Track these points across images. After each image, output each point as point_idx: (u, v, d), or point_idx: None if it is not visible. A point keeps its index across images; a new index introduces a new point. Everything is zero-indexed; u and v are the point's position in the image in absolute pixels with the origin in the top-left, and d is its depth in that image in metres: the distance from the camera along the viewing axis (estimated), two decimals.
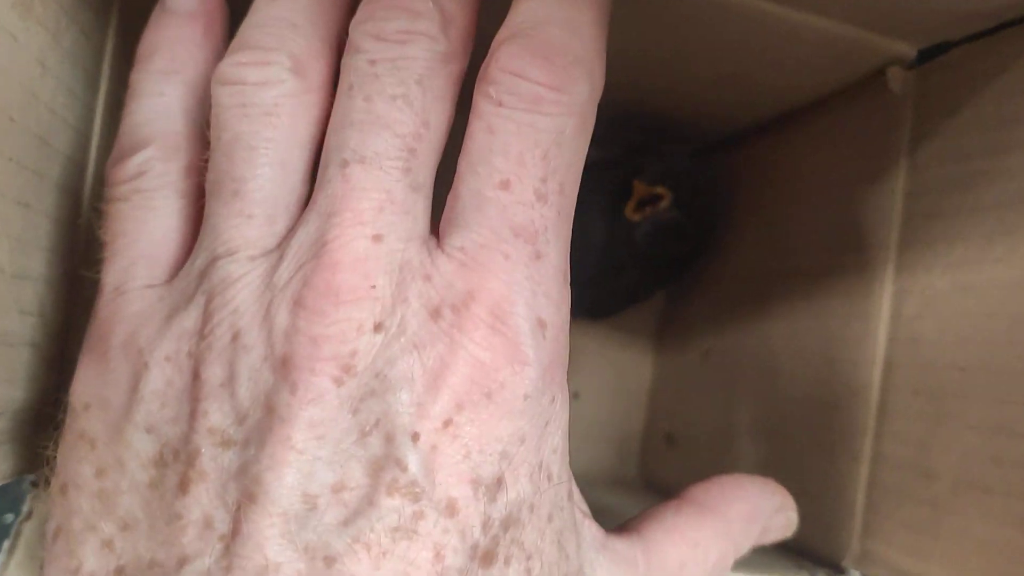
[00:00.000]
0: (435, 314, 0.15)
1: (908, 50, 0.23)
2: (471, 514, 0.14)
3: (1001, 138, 0.21)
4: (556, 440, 0.16)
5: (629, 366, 0.36)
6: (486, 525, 0.15)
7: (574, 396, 0.35)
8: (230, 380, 0.15)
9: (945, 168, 0.22)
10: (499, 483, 0.15)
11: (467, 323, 0.15)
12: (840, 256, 0.26)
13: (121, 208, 0.17)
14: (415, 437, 0.14)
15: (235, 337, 0.15)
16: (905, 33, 0.23)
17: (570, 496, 0.17)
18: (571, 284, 0.17)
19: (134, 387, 0.15)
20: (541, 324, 0.15)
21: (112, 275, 0.17)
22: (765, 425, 0.28)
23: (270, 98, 0.16)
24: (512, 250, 0.15)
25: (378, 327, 0.15)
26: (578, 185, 0.17)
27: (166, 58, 0.18)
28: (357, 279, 0.15)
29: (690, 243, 0.33)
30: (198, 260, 0.16)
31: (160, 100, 0.18)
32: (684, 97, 0.29)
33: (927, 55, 0.23)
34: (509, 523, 0.15)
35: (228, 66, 0.16)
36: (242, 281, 0.15)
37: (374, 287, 0.15)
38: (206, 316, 0.15)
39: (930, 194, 0.23)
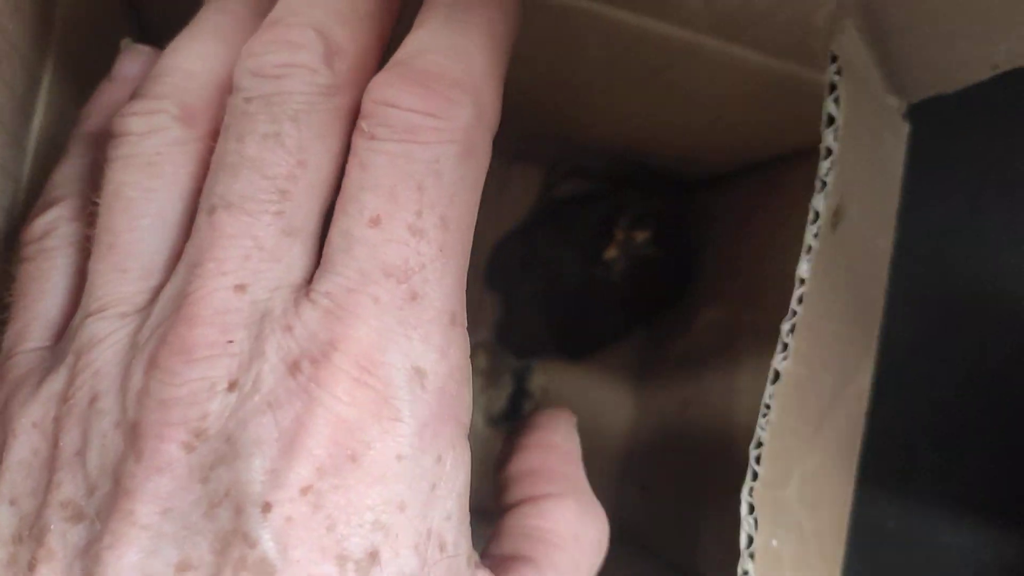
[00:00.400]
0: (294, 368, 0.13)
1: (898, 103, 0.22)
2: None
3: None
4: (450, 505, 0.14)
5: (607, 408, 0.34)
6: None
7: None
8: (83, 448, 0.14)
9: None
10: (373, 557, 0.13)
11: (326, 376, 0.13)
12: None
13: (25, 268, 0.16)
14: (266, 508, 0.13)
15: (92, 401, 0.14)
16: (896, 87, 0.21)
17: (469, 561, 0.15)
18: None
19: (3, 456, 0.14)
20: (419, 373, 0.14)
21: (8, 338, 0.16)
22: (739, 487, 0.27)
23: (152, 147, 0.15)
24: (382, 292, 0.14)
25: (232, 385, 0.13)
26: (472, 219, 0.15)
27: (95, 121, 0.17)
28: (214, 334, 0.13)
29: (667, 280, 0.32)
30: (76, 319, 0.15)
31: (81, 162, 0.17)
32: (672, 138, 0.28)
33: (918, 107, 0.22)
34: None
35: (118, 117, 0.15)
36: (108, 340, 0.14)
37: (231, 342, 0.14)
38: (71, 378, 0.14)
39: None
